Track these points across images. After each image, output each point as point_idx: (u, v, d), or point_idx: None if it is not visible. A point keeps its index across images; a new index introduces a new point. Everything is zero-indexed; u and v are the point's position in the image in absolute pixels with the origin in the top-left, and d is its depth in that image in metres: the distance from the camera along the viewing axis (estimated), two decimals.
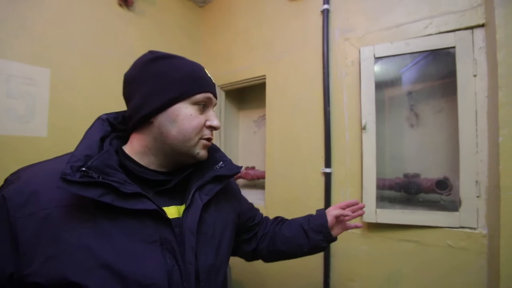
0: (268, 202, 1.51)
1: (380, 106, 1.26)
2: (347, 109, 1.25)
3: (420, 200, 1.15)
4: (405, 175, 1.18)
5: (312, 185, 1.34)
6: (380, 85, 1.24)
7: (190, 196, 0.54)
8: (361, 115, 1.16)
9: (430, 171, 1.16)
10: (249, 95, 2.05)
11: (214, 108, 0.61)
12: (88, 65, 1.29)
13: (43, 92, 1.13)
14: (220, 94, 1.88)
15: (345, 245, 1.23)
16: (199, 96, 0.54)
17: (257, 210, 0.82)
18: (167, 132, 0.52)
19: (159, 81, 0.52)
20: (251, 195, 1.74)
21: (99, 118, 0.56)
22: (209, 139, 0.57)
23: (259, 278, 1.56)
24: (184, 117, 0.52)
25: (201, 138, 0.55)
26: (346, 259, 1.23)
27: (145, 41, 1.55)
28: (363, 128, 1.13)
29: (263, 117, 1.94)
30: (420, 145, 1.22)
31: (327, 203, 1.27)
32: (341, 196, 1.25)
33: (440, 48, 1.02)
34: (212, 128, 0.57)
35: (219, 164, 0.61)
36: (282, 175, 1.47)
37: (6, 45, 1.05)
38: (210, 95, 0.56)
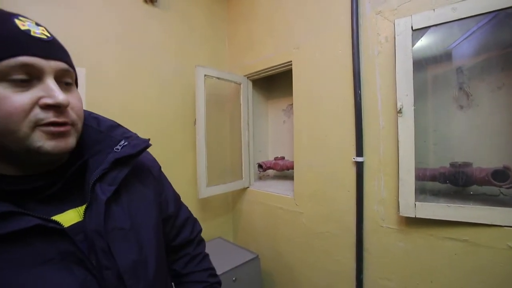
0: (297, 194, 1.46)
1: (422, 87, 1.10)
2: (381, 91, 1.12)
3: (471, 193, 0.99)
4: (452, 164, 1.01)
5: (343, 175, 1.24)
6: (421, 63, 1.08)
7: (89, 192, 0.44)
8: (396, 97, 1.02)
9: (485, 160, 0.98)
10: (277, 83, 1.99)
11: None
12: (119, 63, 1.36)
13: (80, 91, 1.23)
14: (247, 84, 1.85)
15: (379, 240, 1.13)
16: (6, 67, 0.35)
17: (184, 207, 0.69)
18: None
19: None
20: (280, 187, 1.70)
21: None
22: (53, 124, 0.38)
23: (287, 270, 1.53)
24: None
25: (37, 126, 0.37)
26: (381, 256, 1.13)
27: (171, 34, 1.58)
28: (398, 112, 1.00)
29: (292, 105, 1.87)
30: (471, 129, 1.04)
31: (359, 194, 1.17)
32: (375, 187, 1.13)
33: (501, 8, 0.83)
34: (50, 107, 0.37)
35: (121, 143, 0.49)
36: (310, 165, 1.39)
37: None
38: (30, 59, 0.36)
